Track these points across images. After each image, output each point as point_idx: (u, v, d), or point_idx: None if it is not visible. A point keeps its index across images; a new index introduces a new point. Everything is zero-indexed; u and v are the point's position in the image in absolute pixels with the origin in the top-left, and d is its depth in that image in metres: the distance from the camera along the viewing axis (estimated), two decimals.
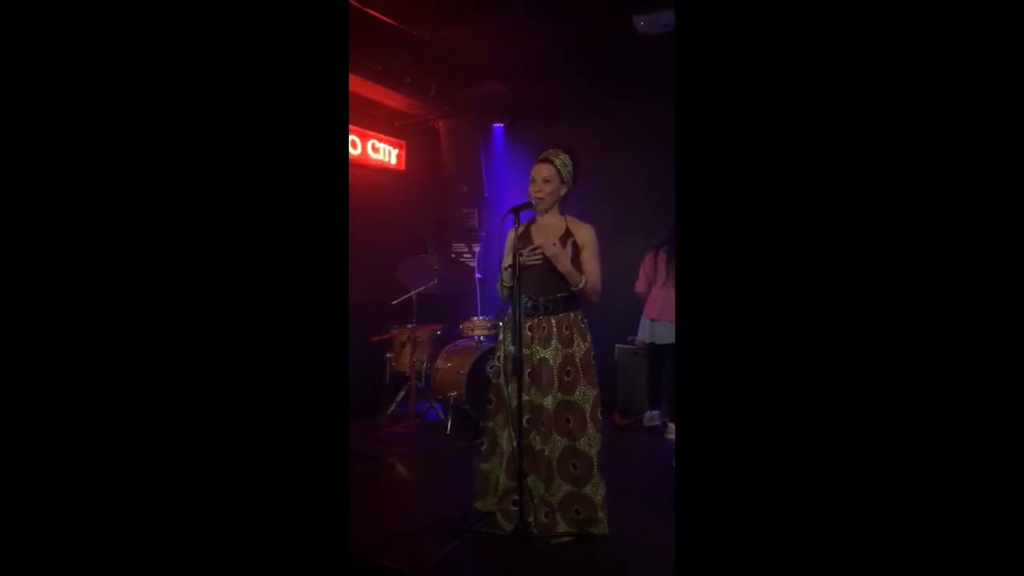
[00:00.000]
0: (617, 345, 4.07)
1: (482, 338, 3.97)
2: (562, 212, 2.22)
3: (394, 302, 3.96)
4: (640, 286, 3.62)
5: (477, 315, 4.22)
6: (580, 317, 2.19)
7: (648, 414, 3.73)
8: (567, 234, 2.15)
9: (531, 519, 2.09)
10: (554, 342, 2.13)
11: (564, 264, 2.06)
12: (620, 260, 3.19)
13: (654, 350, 3.58)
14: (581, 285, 2.09)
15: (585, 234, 2.16)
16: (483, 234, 5.01)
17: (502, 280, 2.21)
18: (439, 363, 3.85)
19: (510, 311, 2.24)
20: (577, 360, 2.13)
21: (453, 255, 5.08)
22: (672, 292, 3.36)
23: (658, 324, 3.46)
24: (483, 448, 2.28)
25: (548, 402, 2.11)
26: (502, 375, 2.19)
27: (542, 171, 2.15)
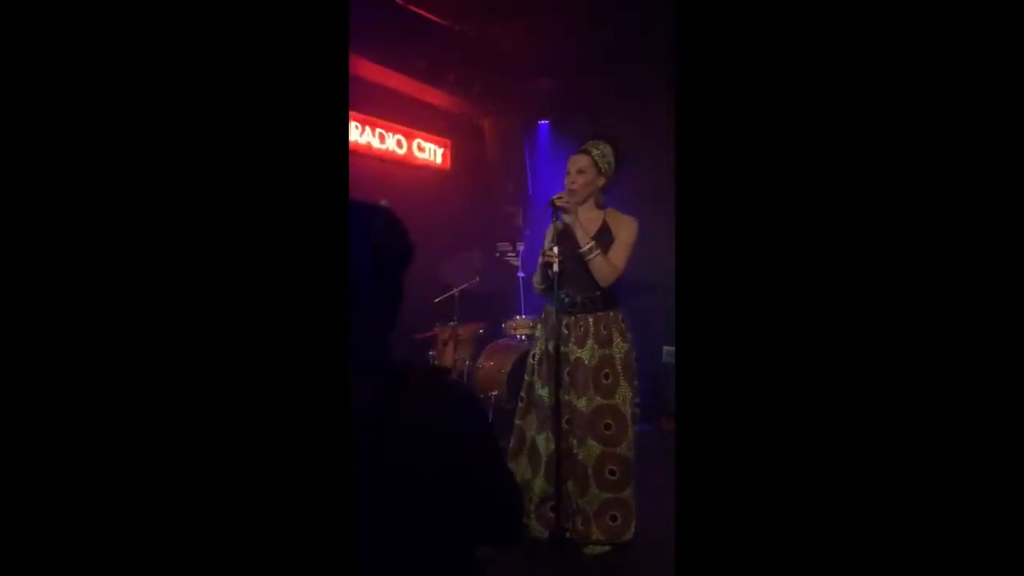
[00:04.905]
0: (665, 347, 3.92)
1: (524, 337, 3.92)
2: (601, 205, 2.09)
3: (436, 300, 3.96)
4: None
5: (520, 314, 4.17)
6: (620, 317, 2.07)
7: None
8: (604, 227, 2.04)
9: (568, 526, 2.02)
10: (590, 342, 2.03)
11: (580, 229, 1.95)
12: (671, 257, 3.02)
13: None
14: (586, 248, 1.92)
15: (624, 227, 2.02)
16: (527, 232, 4.96)
17: (537, 276, 2.13)
18: (481, 362, 3.82)
19: (546, 307, 2.17)
20: (617, 361, 2.02)
21: (497, 254, 5.05)
22: None
23: None
24: (510, 445, 2.15)
25: (583, 404, 2.03)
26: (536, 374, 2.11)
27: (577, 162, 2.02)
